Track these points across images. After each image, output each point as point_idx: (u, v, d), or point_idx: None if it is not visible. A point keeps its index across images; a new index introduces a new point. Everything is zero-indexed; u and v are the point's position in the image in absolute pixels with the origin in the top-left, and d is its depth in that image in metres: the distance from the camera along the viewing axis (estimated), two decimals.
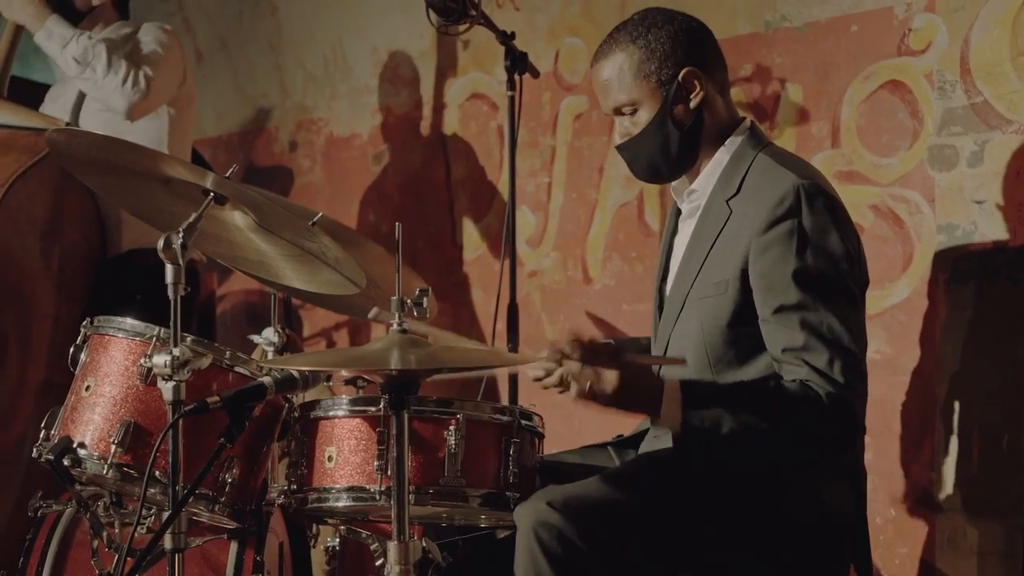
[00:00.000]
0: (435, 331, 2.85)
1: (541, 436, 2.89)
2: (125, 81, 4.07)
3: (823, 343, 2.65)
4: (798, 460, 2.71)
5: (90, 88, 4.11)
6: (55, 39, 4.10)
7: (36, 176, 3.97)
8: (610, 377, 2.59)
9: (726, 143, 2.90)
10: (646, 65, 2.87)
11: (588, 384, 2.60)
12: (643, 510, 2.66)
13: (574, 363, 2.60)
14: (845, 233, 2.74)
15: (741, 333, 2.77)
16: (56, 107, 4.37)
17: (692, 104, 2.88)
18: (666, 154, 2.91)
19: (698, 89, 2.87)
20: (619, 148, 2.97)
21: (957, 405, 3.54)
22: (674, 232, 3.05)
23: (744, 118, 2.96)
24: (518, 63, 4.11)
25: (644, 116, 2.90)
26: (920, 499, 3.61)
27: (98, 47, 4.07)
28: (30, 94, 4.35)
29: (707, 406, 2.65)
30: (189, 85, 4.39)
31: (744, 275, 2.74)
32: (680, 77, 2.86)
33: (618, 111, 2.93)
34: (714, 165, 2.90)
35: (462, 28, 4.14)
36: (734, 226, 2.79)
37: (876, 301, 3.66)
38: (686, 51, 2.86)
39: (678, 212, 3.04)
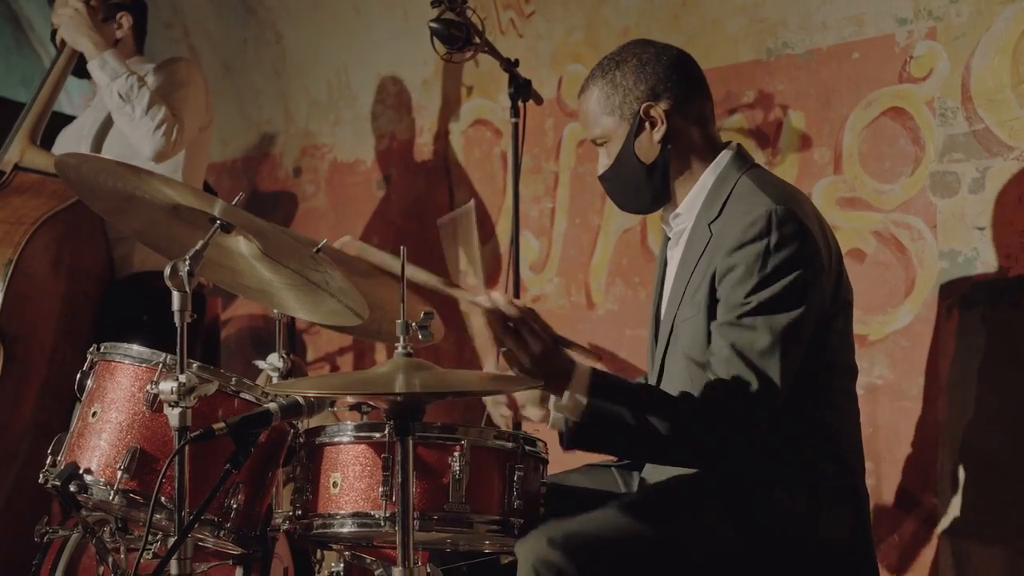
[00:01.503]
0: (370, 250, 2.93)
1: (545, 462, 2.90)
2: (158, 128, 4.17)
3: (748, 368, 2.68)
4: (676, 463, 2.79)
5: (125, 123, 4.21)
6: (107, 70, 4.21)
7: (61, 221, 4.10)
8: (534, 344, 2.68)
9: (711, 165, 2.93)
10: (612, 99, 2.93)
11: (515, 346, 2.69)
12: (646, 549, 2.67)
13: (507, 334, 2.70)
14: (811, 263, 2.75)
15: None
16: (71, 141, 4.42)
17: (656, 138, 2.92)
18: (636, 187, 2.97)
19: (660, 123, 2.90)
20: (600, 179, 3.04)
21: (959, 430, 3.55)
22: (665, 262, 3.09)
23: (729, 142, 2.99)
24: (522, 90, 4.13)
25: (613, 149, 2.97)
26: (923, 524, 3.61)
27: (144, 90, 4.18)
28: (49, 124, 4.44)
29: (611, 393, 2.71)
30: (209, 116, 4.46)
31: (712, 294, 2.78)
32: (640, 111, 2.90)
33: (595, 142, 3.01)
34: (699, 188, 2.94)
35: (466, 56, 4.16)
36: (713, 247, 2.83)
37: (878, 327, 3.67)
38: (651, 85, 2.91)
39: (667, 239, 3.08)
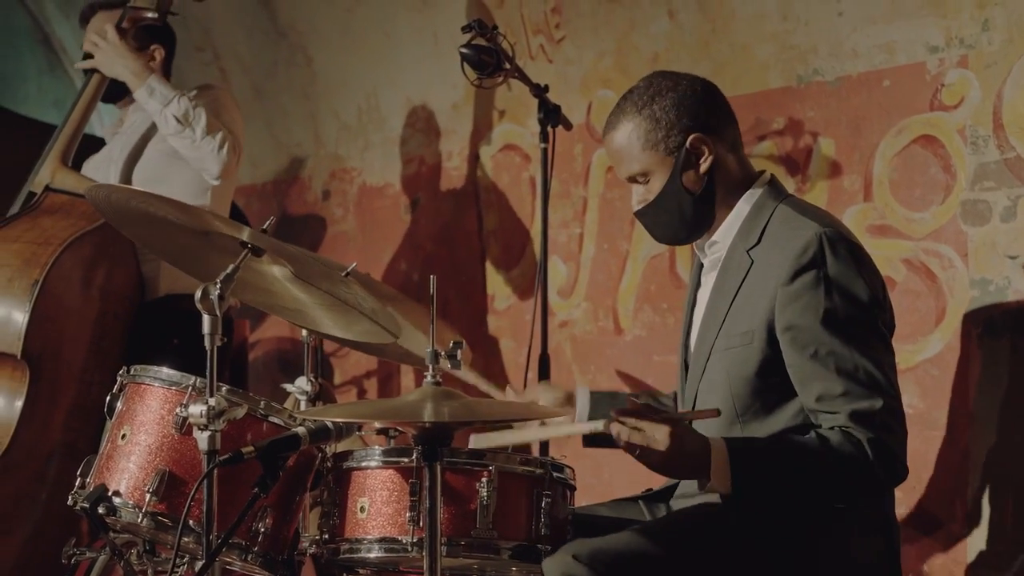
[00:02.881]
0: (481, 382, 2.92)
1: (573, 488, 2.90)
2: (222, 147, 4.19)
3: (860, 387, 2.68)
4: (842, 506, 2.74)
5: (186, 147, 4.22)
6: (157, 97, 4.22)
7: (90, 241, 4.11)
8: (660, 441, 2.63)
9: (746, 195, 2.93)
10: (653, 134, 2.90)
11: (639, 447, 2.64)
12: (669, 565, 2.66)
13: (624, 426, 2.65)
14: (870, 278, 2.77)
15: (768, 383, 2.79)
16: (101, 167, 4.44)
17: (702, 169, 2.91)
18: (682, 219, 2.95)
19: (707, 153, 2.90)
20: (637, 215, 3.02)
21: (990, 461, 3.53)
22: (697, 286, 3.07)
23: (763, 171, 2.99)
24: (551, 115, 4.14)
25: (656, 184, 2.94)
26: (952, 554, 3.58)
27: (199, 110, 4.19)
28: (81, 146, 4.47)
29: (756, 466, 2.69)
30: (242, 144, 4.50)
31: (770, 326, 2.77)
32: (688, 144, 2.89)
33: (632, 179, 2.98)
34: (734, 216, 2.93)
35: (496, 81, 4.17)
36: (757, 276, 2.82)
37: (909, 355, 3.65)
38: (692, 116, 2.89)
39: (701, 266, 3.06)
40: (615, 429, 2.67)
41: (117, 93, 4.45)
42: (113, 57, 4.28)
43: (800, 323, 2.72)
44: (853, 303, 2.72)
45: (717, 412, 2.70)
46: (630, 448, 2.65)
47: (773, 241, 2.83)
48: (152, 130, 4.36)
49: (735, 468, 2.67)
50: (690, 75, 2.99)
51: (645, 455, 2.65)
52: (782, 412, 2.79)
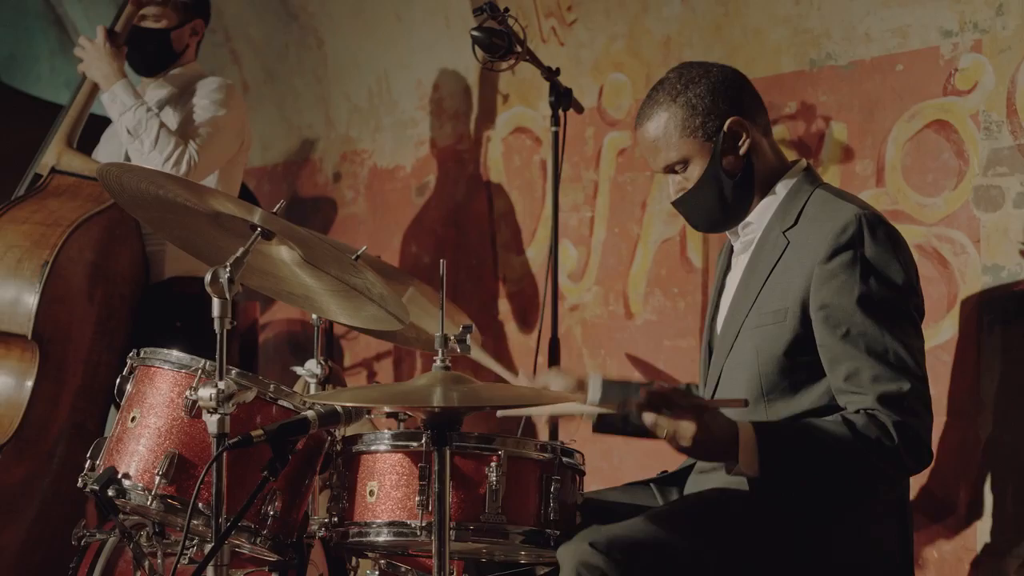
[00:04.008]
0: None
1: (582, 473, 2.90)
2: (168, 159, 4.18)
3: (890, 370, 2.70)
4: (870, 490, 2.76)
5: (136, 157, 4.23)
6: (116, 104, 4.24)
7: (97, 224, 4.13)
8: (687, 426, 2.64)
9: (783, 179, 2.96)
10: (691, 121, 2.92)
11: (666, 433, 2.66)
12: (688, 552, 2.67)
13: (650, 413, 2.66)
14: (906, 263, 2.80)
15: (797, 363, 2.80)
16: (111, 145, 4.45)
17: (741, 151, 2.93)
18: (723, 204, 2.96)
19: (745, 136, 2.93)
20: (676, 204, 3.02)
21: (1000, 447, 3.52)
22: (727, 270, 3.07)
23: (799, 159, 3.03)
24: (562, 99, 4.13)
25: (696, 171, 2.95)
26: (961, 541, 3.58)
27: (151, 123, 4.19)
28: (89, 127, 4.47)
29: (783, 449, 2.70)
30: (247, 135, 4.48)
31: (804, 304, 2.78)
32: (726, 127, 2.92)
33: (669, 169, 2.98)
34: (770, 200, 2.96)
35: (507, 64, 4.16)
36: (793, 255, 2.83)
37: None
38: (728, 101, 2.93)
39: (731, 250, 3.07)
40: (646, 416, 2.67)
41: (147, 66, 4.47)
42: (92, 59, 4.30)
43: (834, 302, 2.74)
44: (888, 286, 2.74)
45: (745, 402, 2.70)
46: (659, 430, 2.66)
47: (810, 221, 2.85)
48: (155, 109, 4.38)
49: (763, 451, 2.68)
50: (720, 64, 3.03)
51: (674, 437, 2.66)
52: (809, 392, 2.80)
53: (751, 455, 2.68)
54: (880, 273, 2.74)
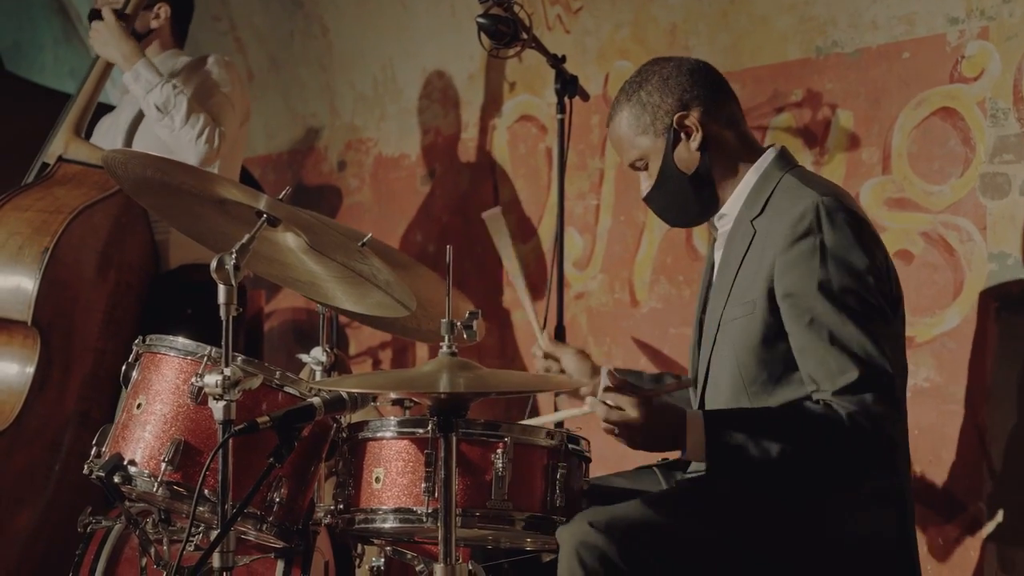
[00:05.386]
0: None
1: (588, 460, 2.90)
2: (200, 135, 4.17)
3: (851, 359, 2.68)
4: (827, 482, 2.74)
5: (166, 134, 4.22)
6: (141, 83, 4.21)
7: (101, 211, 4.13)
8: (634, 414, 2.68)
9: (754, 165, 2.95)
10: (642, 119, 2.95)
11: (616, 425, 2.69)
12: (686, 533, 2.68)
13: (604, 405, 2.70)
14: (868, 247, 2.77)
15: (774, 353, 2.80)
16: (109, 129, 4.45)
17: (693, 146, 2.93)
18: (685, 199, 2.98)
19: (695, 130, 2.92)
20: (645, 201, 3.04)
21: (1006, 435, 3.52)
22: (712, 263, 3.08)
23: (773, 145, 3.01)
24: (568, 86, 4.12)
25: (654, 168, 2.98)
26: (968, 529, 3.58)
27: (180, 98, 4.18)
28: (95, 116, 4.48)
29: (731, 435, 2.70)
30: (247, 111, 4.48)
31: (770, 294, 2.78)
32: (674, 123, 2.92)
33: (634, 166, 3.02)
34: (742, 188, 2.95)
35: (513, 51, 4.15)
36: (758, 245, 2.83)
37: (926, 329, 3.64)
38: (677, 96, 2.93)
39: (715, 242, 3.08)
40: (597, 409, 2.71)
41: None
42: (106, 38, 4.28)
43: (796, 291, 2.74)
44: (850, 272, 2.72)
45: (692, 382, 2.71)
46: (608, 429, 2.70)
47: (775, 210, 2.84)
48: None
49: (709, 435, 2.69)
50: (680, 57, 3.04)
51: (622, 434, 2.70)
52: (789, 382, 2.79)
53: (699, 442, 2.69)
54: (840, 260, 2.72)
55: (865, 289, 2.73)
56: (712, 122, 2.94)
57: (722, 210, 2.97)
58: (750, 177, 2.94)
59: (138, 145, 4.35)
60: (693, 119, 2.92)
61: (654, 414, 2.69)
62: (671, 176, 2.95)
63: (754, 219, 2.87)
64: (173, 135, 4.18)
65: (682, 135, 2.93)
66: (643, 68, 3.01)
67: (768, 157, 2.95)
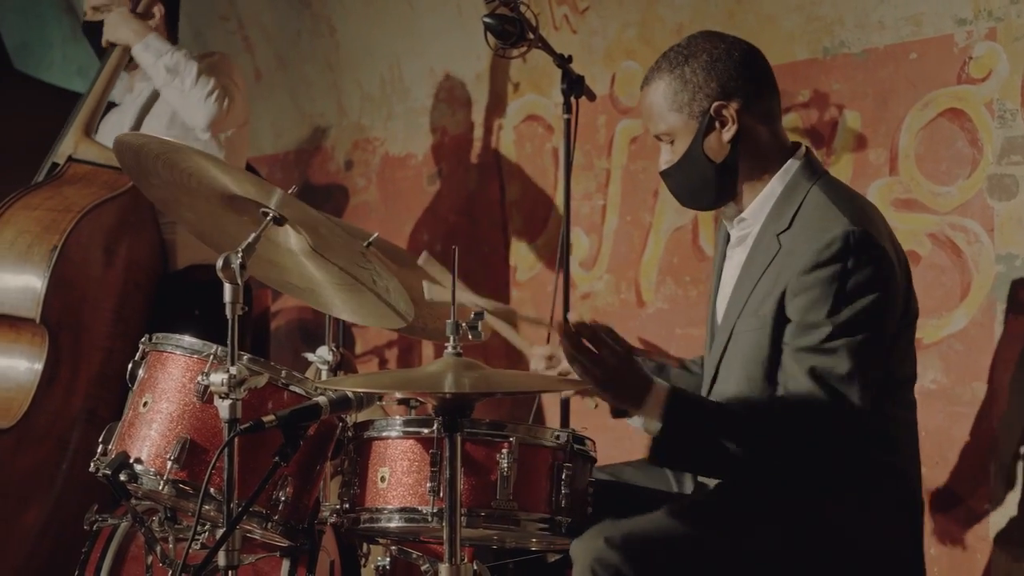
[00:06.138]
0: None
1: (593, 460, 2.89)
2: (210, 95, 4.22)
3: (825, 390, 2.68)
4: (841, 484, 2.73)
5: (176, 97, 4.26)
6: (151, 51, 4.27)
7: (110, 210, 4.14)
8: (606, 363, 2.68)
9: (780, 171, 2.88)
10: (680, 96, 2.86)
11: (586, 364, 2.69)
12: (702, 550, 2.67)
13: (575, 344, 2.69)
14: (887, 286, 2.73)
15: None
16: (114, 128, 4.46)
17: (725, 137, 2.86)
18: (703, 185, 2.91)
19: (731, 123, 2.84)
20: (661, 175, 2.98)
21: (1014, 436, 3.51)
22: (724, 257, 3.05)
23: (799, 145, 2.94)
24: (575, 86, 4.11)
25: (680, 147, 2.90)
26: (975, 532, 3.57)
27: (191, 63, 4.25)
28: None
29: (690, 409, 2.72)
30: (247, 112, 4.50)
31: (781, 311, 2.75)
32: (711, 110, 2.84)
33: (659, 138, 2.94)
34: (767, 194, 2.88)
35: (519, 51, 4.15)
36: (780, 261, 2.79)
37: (933, 330, 3.63)
38: (722, 82, 2.84)
39: (727, 237, 3.03)
40: (566, 350, 2.70)
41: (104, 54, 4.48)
42: (117, 23, 4.33)
43: (804, 314, 2.71)
44: (860, 311, 2.69)
45: (679, 362, 2.71)
46: (573, 359, 2.69)
47: (802, 227, 2.78)
48: (151, 100, 4.39)
49: (668, 404, 2.69)
50: (734, 38, 2.92)
51: (591, 367, 2.69)
52: None
53: (657, 406, 2.69)
54: (855, 296, 2.69)
55: (871, 330, 2.70)
56: (749, 116, 2.85)
57: (744, 214, 2.91)
58: (775, 184, 2.87)
59: None
60: (731, 110, 2.84)
61: (627, 365, 2.71)
62: (696, 160, 2.87)
63: (780, 233, 2.81)
64: (183, 96, 4.22)
65: (716, 123, 2.85)
66: (693, 40, 2.90)
67: (794, 165, 2.87)
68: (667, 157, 2.93)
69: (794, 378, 2.70)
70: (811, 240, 2.72)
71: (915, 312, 2.86)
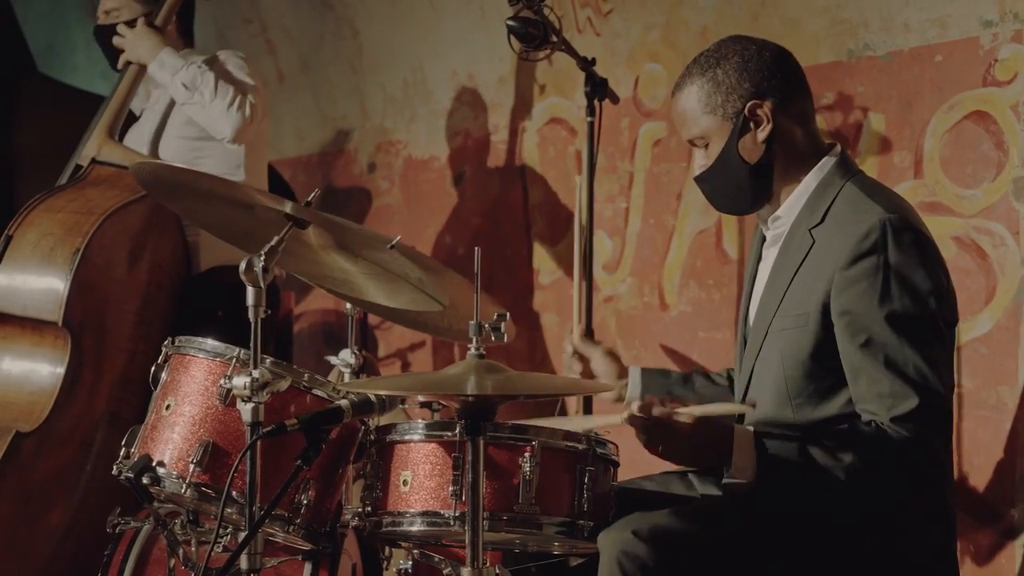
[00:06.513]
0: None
1: (616, 464, 2.88)
2: (232, 104, 4.21)
3: (907, 384, 2.62)
4: (874, 505, 2.69)
5: (197, 112, 4.26)
6: (167, 68, 4.27)
7: (133, 212, 4.14)
8: (680, 424, 2.63)
9: (814, 169, 2.86)
10: (713, 98, 2.84)
11: (657, 439, 2.66)
12: (730, 546, 2.65)
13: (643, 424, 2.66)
14: (933, 269, 2.70)
15: (822, 367, 2.74)
16: (133, 145, 4.48)
17: (760, 137, 2.84)
18: (739, 187, 2.88)
19: (766, 122, 2.83)
20: (696, 180, 2.96)
21: None
22: (759, 259, 3.02)
23: (834, 144, 2.92)
24: (598, 89, 4.11)
25: (715, 149, 2.87)
26: (1003, 536, 3.55)
27: (207, 74, 4.23)
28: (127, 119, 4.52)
29: (781, 455, 2.66)
30: (266, 102, 4.51)
31: (825, 309, 2.71)
32: (746, 110, 2.83)
33: (692, 143, 2.92)
34: (800, 191, 2.86)
35: (543, 54, 4.14)
36: (817, 256, 2.76)
37: (958, 334, 3.60)
38: (755, 82, 2.82)
39: (763, 239, 3.00)
40: (634, 423, 2.67)
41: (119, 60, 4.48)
42: (133, 40, 4.34)
43: (855, 309, 2.67)
44: (912, 295, 2.65)
45: (752, 406, 2.67)
46: (648, 442, 2.67)
47: (837, 222, 2.76)
48: (171, 108, 4.40)
49: (761, 456, 2.64)
50: (763, 40, 2.91)
51: (665, 447, 2.66)
52: (836, 398, 2.74)
53: (748, 461, 2.65)
54: (904, 281, 2.65)
55: (926, 312, 2.66)
56: (784, 115, 2.83)
57: (778, 212, 2.89)
58: (810, 181, 2.85)
59: (162, 154, 4.38)
60: (766, 110, 2.82)
61: (700, 426, 2.64)
62: (731, 163, 2.85)
63: (813, 228, 2.79)
64: (204, 111, 4.22)
65: (751, 124, 2.83)
66: (723, 44, 2.89)
67: (829, 162, 2.85)
68: (701, 162, 2.91)
69: (867, 375, 2.65)
70: (848, 234, 2.70)
71: (956, 318, 2.82)
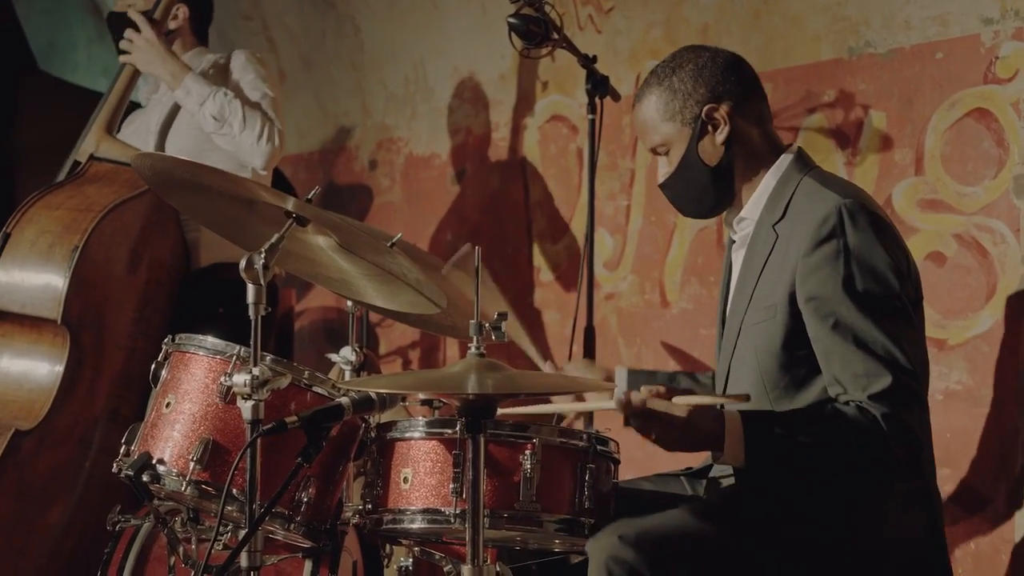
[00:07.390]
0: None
1: (617, 462, 2.89)
2: (260, 136, 4.22)
3: (878, 363, 2.66)
4: (861, 485, 2.72)
5: (227, 143, 4.26)
6: (193, 96, 4.25)
7: (132, 209, 4.14)
8: (676, 413, 2.63)
9: (773, 167, 2.92)
10: (671, 105, 2.92)
11: (652, 426, 2.65)
12: (717, 546, 2.66)
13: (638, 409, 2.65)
14: (891, 248, 2.75)
15: (795, 357, 2.78)
16: (138, 129, 4.46)
17: (719, 139, 2.91)
18: (702, 190, 2.95)
19: (723, 124, 2.90)
20: (661, 187, 3.03)
21: None
22: (731, 266, 3.07)
23: (791, 144, 2.98)
24: (599, 86, 4.11)
25: (676, 155, 2.95)
26: (999, 533, 3.55)
27: (234, 104, 4.22)
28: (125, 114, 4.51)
29: (768, 439, 2.68)
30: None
31: (792, 298, 2.76)
32: (703, 114, 2.90)
33: (655, 151, 2.99)
34: (761, 190, 2.93)
35: (544, 51, 4.15)
36: (781, 250, 2.81)
37: (958, 331, 3.61)
38: (711, 87, 2.90)
39: (732, 243, 3.06)
40: (626, 413, 2.67)
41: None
42: (151, 57, 4.30)
43: (821, 294, 2.72)
44: (872, 274, 2.71)
45: (746, 397, 2.68)
46: (643, 429, 2.66)
47: (797, 214, 2.82)
48: (178, 105, 4.38)
49: (748, 439, 2.67)
50: (715, 48, 3.00)
51: (659, 434, 2.66)
52: (811, 387, 2.78)
53: (737, 443, 2.67)
54: (864, 261, 2.71)
55: (888, 291, 2.71)
56: (740, 117, 2.92)
57: (741, 213, 2.95)
58: (769, 179, 2.92)
59: (170, 146, 4.38)
60: (723, 112, 2.90)
61: (694, 414, 2.65)
62: (693, 166, 2.92)
63: (776, 224, 2.85)
64: (234, 142, 4.23)
65: (709, 127, 2.91)
66: (678, 54, 2.98)
67: (786, 160, 2.93)
68: (664, 169, 2.99)
69: (838, 357, 2.69)
70: (807, 223, 2.76)
71: (920, 297, 2.85)
